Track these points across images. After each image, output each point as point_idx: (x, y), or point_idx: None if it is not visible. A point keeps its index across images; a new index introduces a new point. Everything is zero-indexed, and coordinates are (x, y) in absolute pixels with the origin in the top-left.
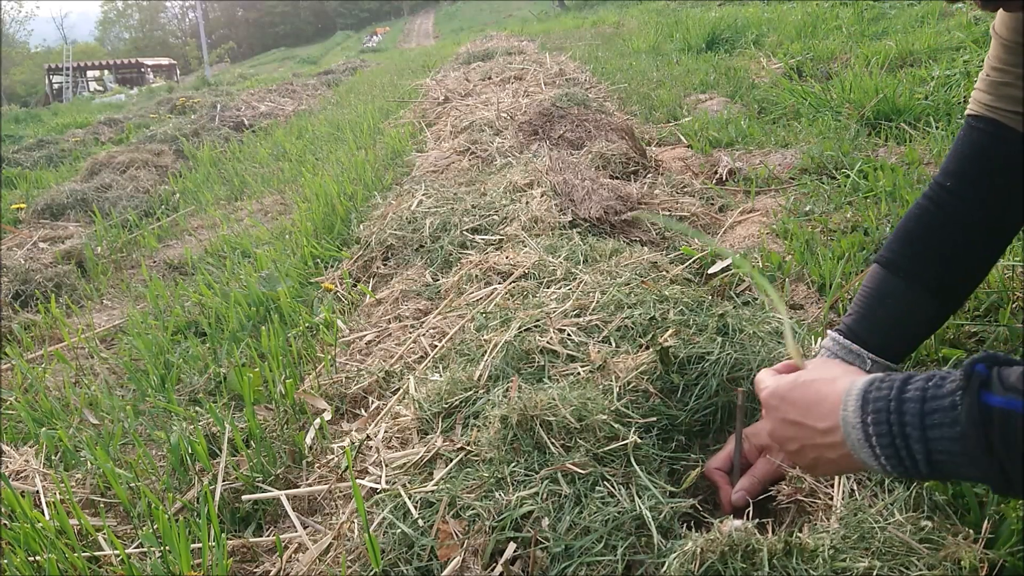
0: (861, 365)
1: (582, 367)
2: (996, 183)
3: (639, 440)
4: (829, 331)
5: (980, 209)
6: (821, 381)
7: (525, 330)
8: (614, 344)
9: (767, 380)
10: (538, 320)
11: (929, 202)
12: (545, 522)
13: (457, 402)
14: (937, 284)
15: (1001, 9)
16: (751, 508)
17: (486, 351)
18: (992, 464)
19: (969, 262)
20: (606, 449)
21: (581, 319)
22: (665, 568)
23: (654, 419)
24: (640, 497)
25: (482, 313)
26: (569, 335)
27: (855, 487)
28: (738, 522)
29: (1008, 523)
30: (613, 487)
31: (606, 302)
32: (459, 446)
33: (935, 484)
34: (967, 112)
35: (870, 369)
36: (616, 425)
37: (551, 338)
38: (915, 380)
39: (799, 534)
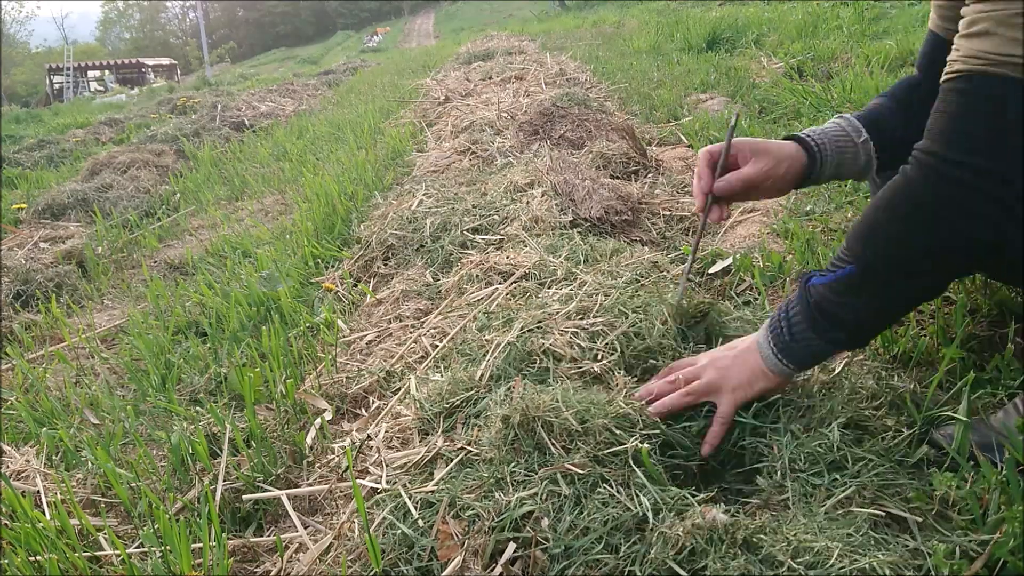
0: (856, 136)
1: (584, 369)
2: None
3: (639, 445)
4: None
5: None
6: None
7: (527, 331)
8: (616, 346)
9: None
10: (540, 321)
11: (911, 76)
12: (545, 522)
13: (458, 402)
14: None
15: None
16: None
17: (487, 351)
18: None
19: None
20: (607, 452)
21: (583, 321)
22: (653, 553)
23: (656, 430)
24: (640, 498)
25: (484, 313)
26: (571, 337)
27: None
28: (723, 516)
29: (1009, 523)
30: (613, 488)
31: (609, 305)
32: (460, 446)
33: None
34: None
35: (862, 141)
36: (617, 431)
37: (554, 340)
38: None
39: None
